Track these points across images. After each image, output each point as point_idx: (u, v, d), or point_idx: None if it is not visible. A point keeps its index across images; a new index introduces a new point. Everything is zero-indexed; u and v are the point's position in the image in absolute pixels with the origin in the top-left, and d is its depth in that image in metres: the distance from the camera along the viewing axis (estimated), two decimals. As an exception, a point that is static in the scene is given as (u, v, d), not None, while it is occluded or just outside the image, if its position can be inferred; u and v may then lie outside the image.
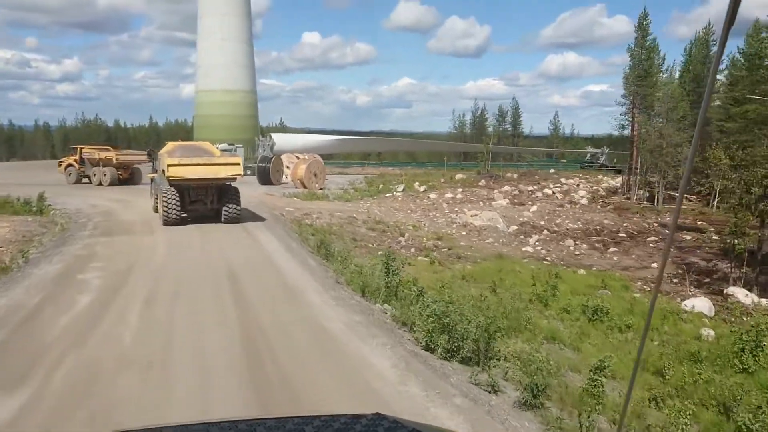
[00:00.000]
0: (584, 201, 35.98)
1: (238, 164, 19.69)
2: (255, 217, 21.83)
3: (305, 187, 37.10)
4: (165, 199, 18.62)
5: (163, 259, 13.85)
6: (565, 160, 73.37)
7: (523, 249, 21.47)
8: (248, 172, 51.95)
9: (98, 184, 35.15)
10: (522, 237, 23.92)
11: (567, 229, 25.40)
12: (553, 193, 39.74)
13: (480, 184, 45.45)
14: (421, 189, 40.81)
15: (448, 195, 37.42)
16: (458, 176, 49.42)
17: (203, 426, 1.22)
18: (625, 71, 40.52)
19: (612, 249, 22.57)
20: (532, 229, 25.58)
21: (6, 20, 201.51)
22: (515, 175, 52.55)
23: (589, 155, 73.45)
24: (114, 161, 35.05)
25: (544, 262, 19.80)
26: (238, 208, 19.98)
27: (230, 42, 69.71)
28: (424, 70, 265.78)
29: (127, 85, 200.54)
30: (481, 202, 34.29)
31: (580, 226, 26.86)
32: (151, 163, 24.45)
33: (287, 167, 42.75)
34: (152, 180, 22.98)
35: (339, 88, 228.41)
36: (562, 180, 47.51)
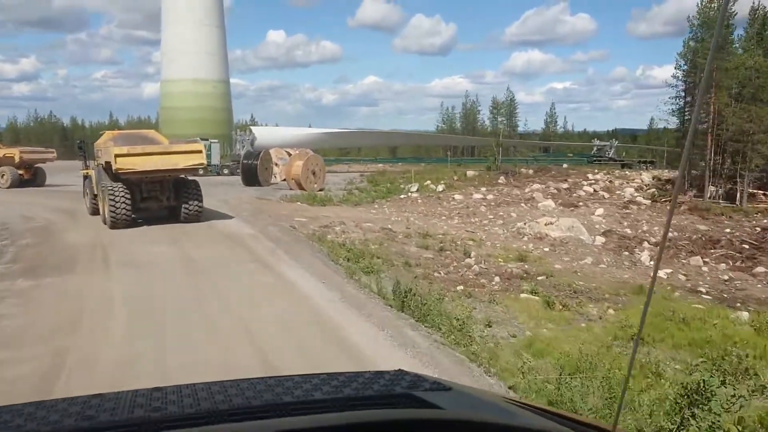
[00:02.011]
0: (641, 200, 29.95)
1: (200, 152, 16.89)
2: (264, 235, 15.01)
3: (301, 188, 30.27)
4: (111, 197, 15.72)
5: (123, 345, 6.98)
6: (571, 155, 67.72)
7: (651, 273, 15.11)
8: (225, 171, 44.99)
9: (8, 187, 29.79)
10: (625, 252, 17.57)
11: (670, 241, 19.12)
12: (595, 191, 33.67)
13: (500, 181, 39.22)
14: (439, 188, 34.28)
15: (477, 196, 30.99)
16: (470, 173, 43.09)
17: (219, 385, 1.18)
18: (686, 44, 34.94)
19: (760, 269, 16.42)
20: (623, 239, 19.25)
21: None
22: (530, 171, 46.38)
23: (595, 149, 68.02)
24: (16, 160, 29.62)
25: (703, 296, 13.57)
26: (200, 204, 17.34)
27: (200, 26, 62.07)
28: (390, 69, 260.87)
29: (87, 84, 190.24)
30: (523, 204, 27.93)
31: (676, 234, 20.66)
32: (83, 158, 20.38)
33: (276, 164, 35.73)
34: (86, 177, 19.57)
35: (305, 87, 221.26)
36: (589, 176, 41.54)
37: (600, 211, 24.86)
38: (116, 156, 15.44)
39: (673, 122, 40.35)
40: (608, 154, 64.86)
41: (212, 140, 44.42)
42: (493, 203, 28.75)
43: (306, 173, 30.68)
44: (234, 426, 1.01)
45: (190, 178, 17.68)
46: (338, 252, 14.29)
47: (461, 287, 13.06)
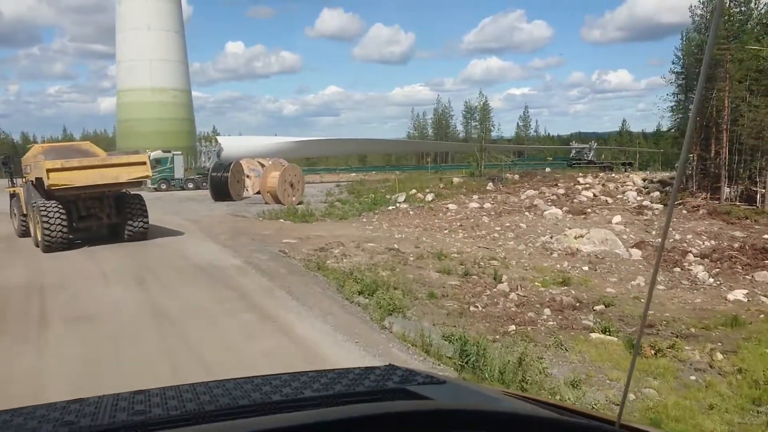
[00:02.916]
0: (648, 203, 27.66)
1: (144, 163, 15.57)
2: (251, 266, 11.92)
3: (278, 201, 27.17)
4: (45, 216, 14.20)
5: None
6: (551, 158, 65.90)
7: (729, 297, 12.47)
8: (190, 185, 41.42)
9: None
10: (676, 269, 14.94)
11: (717, 252, 16.63)
12: (595, 195, 31.34)
13: (488, 188, 36.72)
14: (428, 198, 31.51)
15: (473, 205, 28.31)
16: (456, 180, 40.50)
17: (204, 386, 1.13)
18: (687, 33, 32.98)
19: None
20: (656, 251, 16.65)
21: None
22: (516, 176, 44.09)
23: (574, 151, 66.38)
24: None
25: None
26: (146, 221, 15.95)
27: (157, 32, 58.32)
28: (351, 78, 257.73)
29: (41, 100, 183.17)
30: (526, 213, 25.31)
31: (714, 243, 18.24)
32: (8, 175, 18.78)
33: (248, 176, 32.48)
34: (12, 195, 18.14)
35: (265, 98, 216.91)
36: (580, 180, 39.34)
37: (617, 218, 22.36)
38: (48, 171, 13.82)
39: (666, 122, 38.40)
40: (587, 156, 63.29)
41: (175, 152, 41.08)
42: (492, 213, 26.07)
43: (283, 185, 27.57)
44: (221, 426, 0.94)
45: (133, 192, 16.31)
46: (347, 284, 11.35)
47: (512, 327, 10.21)
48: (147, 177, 15.73)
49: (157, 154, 40.35)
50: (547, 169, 52.53)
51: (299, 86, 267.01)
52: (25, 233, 16.65)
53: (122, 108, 60.57)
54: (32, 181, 15.62)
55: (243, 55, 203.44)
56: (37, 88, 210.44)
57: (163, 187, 39.23)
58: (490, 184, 38.27)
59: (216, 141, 46.77)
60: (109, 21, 61.67)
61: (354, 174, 56.70)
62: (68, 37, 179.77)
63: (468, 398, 1.17)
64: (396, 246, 16.05)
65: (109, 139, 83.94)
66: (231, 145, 47.44)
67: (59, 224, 14.21)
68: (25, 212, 16.58)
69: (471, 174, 45.07)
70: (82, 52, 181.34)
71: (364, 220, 24.38)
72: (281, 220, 20.65)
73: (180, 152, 41.47)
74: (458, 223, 23.27)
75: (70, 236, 14.76)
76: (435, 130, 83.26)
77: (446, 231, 21.51)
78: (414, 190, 34.68)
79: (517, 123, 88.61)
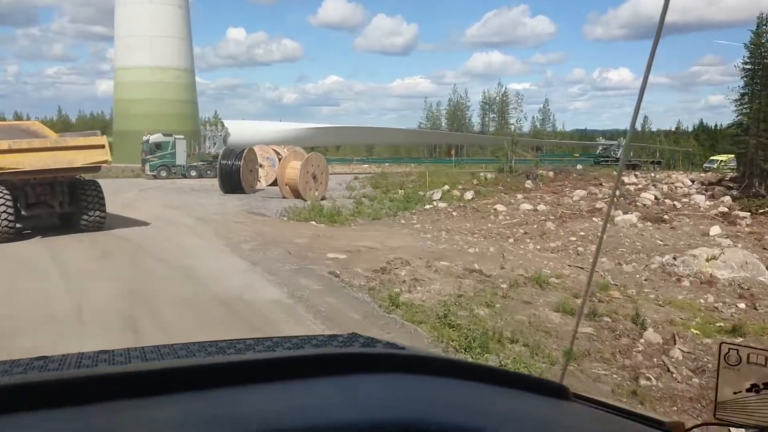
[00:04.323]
0: (734, 211, 23.78)
1: (103, 146, 14.13)
2: (301, 302, 7.96)
3: (299, 196, 23.27)
4: None
5: None
6: (578, 155, 61.93)
7: None
8: (193, 173, 37.35)
9: None
10: None
11: None
12: (657, 198, 27.46)
13: (527, 186, 32.84)
14: (467, 197, 27.54)
15: (526, 206, 24.37)
16: (486, 175, 36.57)
17: (168, 347, 1.10)
18: (758, 29, 29.35)
19: None
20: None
21: None
22: (550, 173, 40.10)
23: (600, 148, 62.53)
24: None
25: None
26: (103, 211, 14.70)
27: (159, 5, 53.98)
28: (352, 68, 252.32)
29: (39, 81, 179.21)
30: (594, 218, 21.39)
31: None
32: None
33: (261, 165, 28.41)
34: None
35: (265, 85, 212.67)
36: (624, 179, 35.39)
37: (715, 230, 18.44)
38: None
39: (727, 117, 34.56)
40: (615, 154, 59.48)
41: (177, 136, 36.98)
42: (552, 217, 22.15)
43: (305, 177, 23.59)
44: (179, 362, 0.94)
45: (88, 178, 15.00)
46: (445, 334, 7.51)
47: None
48: (106, 162, 14.26)
49: (157, 137, 36.33)
50: (579, 166, 48.75)
51: (299, 75, 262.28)
52: None
53: (120, 87, 56.30)
54: None
55: (244, 42, 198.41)
56: (36, 69, 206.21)
57: (163, 174, 35.20)
58: (529, 181, 34.43)
59: (222, 125, 42.72)
60: (109, 3, 57.28)
61: (366, 165, 52.74)
62: (68, 18, 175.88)
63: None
64: (476, 265, 12.10)
65: (106, 120, 79.91)
66: (238, 130, 43.42)
67: (5, 212, 13.02)
68: None
69: (500, 169, 41.21)
70: (82, 33, 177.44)
71: (403, 222, 20.47)
72: (313, 223, 16.69)
73: (182, 136, 37.41)
74: (520, 230, 19.33)
75: (18, 225, 13.57)
76: (449, 122, 79.05)
77: (511, 240, 17.59)
78: (446, 186, 30.75)
79: (532, 117, 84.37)
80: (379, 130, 57.74)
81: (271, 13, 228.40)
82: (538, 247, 16.76)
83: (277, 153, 29.43)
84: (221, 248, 11.99)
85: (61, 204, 14.36)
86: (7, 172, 13.04)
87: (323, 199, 23.80)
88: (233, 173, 24.95)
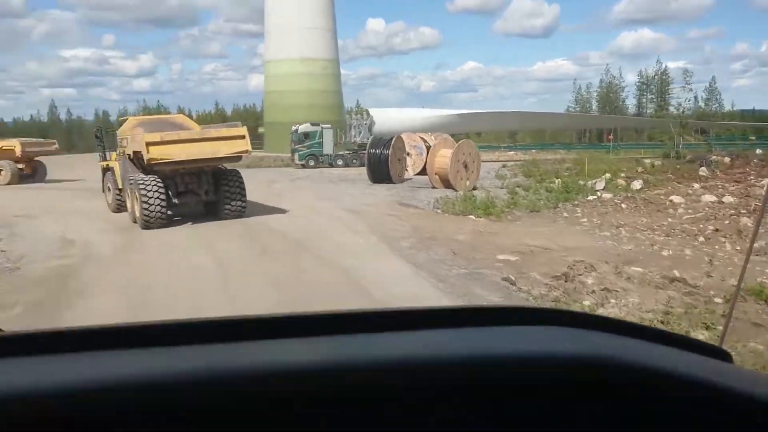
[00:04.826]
0: None
1: (243, 137, 14.46)
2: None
3: (449, 186, 22.11)
4: (144, 191, 13.52)
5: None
6: (753, 138, 55.21)
7: None
8: (339, 162, 37.51)
9: (7, 183, 27.04)
10: None
11: None
12: None
13: (701, 173, 29.06)
14: (635, 186, 24.78)
15: (708, 198, 21.31)
16: (653, 162, 33.05)
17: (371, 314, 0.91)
18: None
19: None
20: None
21: (86, 19, 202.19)
22: (726, 159, 35.38)
23: (783, 129, 55.11)
24: (17, 153, 26.98)
25: None
26: (244, 200, 15.07)
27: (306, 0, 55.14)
28: (490, 53, 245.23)
29: (199, 77, 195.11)
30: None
31: None
32: (101, 148, 18.13)
33: (408, 154, 27.54)
34: (106, 170, 17.62)
35: (404, 74, 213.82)
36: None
37: None
38: (148, 144, 13.18)
39: None
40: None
41: (324, 126, 37.18)
42: (743, 210, 19.03)
43: (456, 166, 22.34)
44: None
45: (229, 167, 15.52)
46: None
47: None
48: (246, 152, 14.70)
49: (306, 127, 36.84)
50: (758, 151, 43.02)
51: (437, 62, 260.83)
52: (119, 209, 16.22)
53: (270, 80, 58.48)
54: (129, 155, 15.07)
55: (383, 32, 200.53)
56: (196, 67, 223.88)
57: (311, 163, 35.63)
58: (703, 168, 30.54)
59: (367, 114, 42.57)
60: (261, 1, 59.48)
61: (512, 152, 50.41)
62: (224, 17, 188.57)
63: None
64: (675, 272, 10.14)
65: (258, 112, 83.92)
66: (382, 118, 43.14)
67: (158, 200, 13.64)
68: (120, 187, 16.18)
69: (666, 155, 37.21)
70: (236, 31, 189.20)
71: (566, 215, 18.51)
72: (472, 217, 15.37)
73: (330, 126, 37.63)
74: (709, 226, 16.66)
75: (169, 212, 14.17)
76: (601, 105, 73.81)
77: (700, 239, 15.10)
78: (607, 174, 28.01)
79: (693, 97, 76.26)
80: (526, 115, 55.00)
81: (410, 2, 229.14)
82: (738, 248, 14.17)
83: (425, 141, 28.39)
84: (379, 246, 11.06)
85: (206, 192, 14.99)
86: (160, 162, 13.58)
87: (474, 189, 22.41)
88: (381, 162, 24.28)
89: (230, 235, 12.92)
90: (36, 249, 12.44)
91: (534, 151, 51.23)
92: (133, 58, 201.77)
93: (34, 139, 33.02)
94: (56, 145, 31.53)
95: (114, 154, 17.28)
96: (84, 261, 10.78)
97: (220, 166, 15.23)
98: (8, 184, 26.62)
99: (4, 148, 27.85)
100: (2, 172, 27.12)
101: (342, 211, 15.97)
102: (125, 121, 17.45)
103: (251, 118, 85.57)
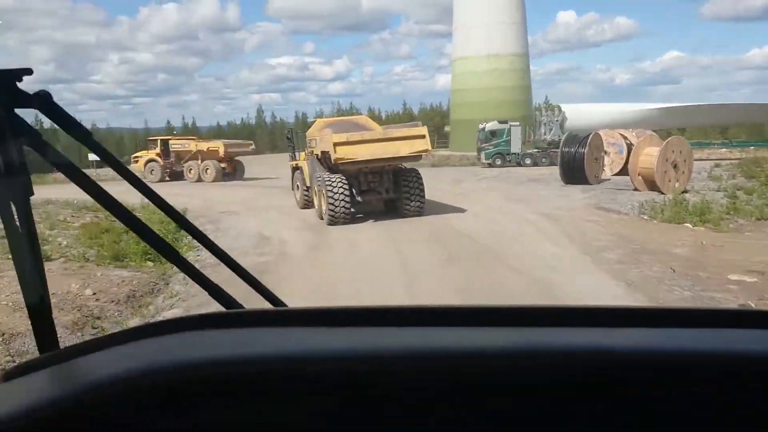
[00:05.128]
0: None
1: (424, 137, 14.76)
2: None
3: (653, 188, 19.76)
4: (330, 189, 14.27)
5: None
6: None
7: None
8: (527, 161, 35.90)
9: (196, 181, 30.14)
10: None
11: None
12: None
13: None
14: None
15: None
16: None
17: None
18: None
19: None
20: None
21: (289, 30, 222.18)
22: None
23: None
24: (220, 153, 29.81)
25: None
26: (422, 198, 15.44)
27: (494, -7, 53.88)
28: (695, 41, 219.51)
29: (388, 79, 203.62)
30: None
31: None
32: (291, 149, 19.33)
33: (605, 153, 25.31)
34: (295, 169, 18.69)
35: (596, 67, 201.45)
36: None
37: None
38: (335, 145, 13.89)
39: None
40: None
41: (512, 123, 35.86)
42: None
43: (663, 167, 19.92)
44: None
45: (409, 166, 15.82)
46: None
47: None
48: (426, 151, 15.03)
49: (493, 125, 35.82)
50: None
51: (634, 53, 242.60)
52: (306, 205, 17.22)
53: (456, 78, 58.20)
54: (317, 155, 15.82)
55: (574, 24, 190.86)
56: (386, 69, 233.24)
57: (498, 162, 34.53)
58: None
59: (559, 109, 40.33)
60: (448, 2, 59.41)
61: (724, 150, 44.64)
62: (413, 20, 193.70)
63: None
64: None
65: (444, 111, 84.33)
66: (575, 113, 40.61)
67: (343, 198, 14.28)
68: (307, 185, 17.08)
69: None
70: (424, 33, 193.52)
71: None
72: (688, 225, 13.36)
73: (518, 123, 36.19)
74: None
75: (352, 210, 14.83)
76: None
77: None
78: None
79: None
80: (740, 107, 48.36)
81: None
82: None
83: (625, 138, 25.92)
84: (581, 258, 9.84)
85: (387, 191, 15.51)
86: (346, 162, 14.15)
87: (685, 191, 19.81)
88: (576, 161, 22.53)
89: (415, 237, 12.51)
90: (237, 245, 13.11)
91: (752, 148, 44.92)
92: (330, 64, 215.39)
93: (234, 141, 36.59)
94: (253, 146, 34.58)
95: (302, 154, 18.13)
96: (278, 259, 11.01)
97: (400, 165, 15.53)
98: (213, 181, 29.51)
99: (209, 149, 31.06)
100: (208, 171, 30.07)
101: (534, 214, 14.85)
102: (313, 123, 18.35)
103: (437, 117, 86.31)
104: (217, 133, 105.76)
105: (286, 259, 10.96)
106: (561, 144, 24.24)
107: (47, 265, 10.44)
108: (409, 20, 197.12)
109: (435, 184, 23.07)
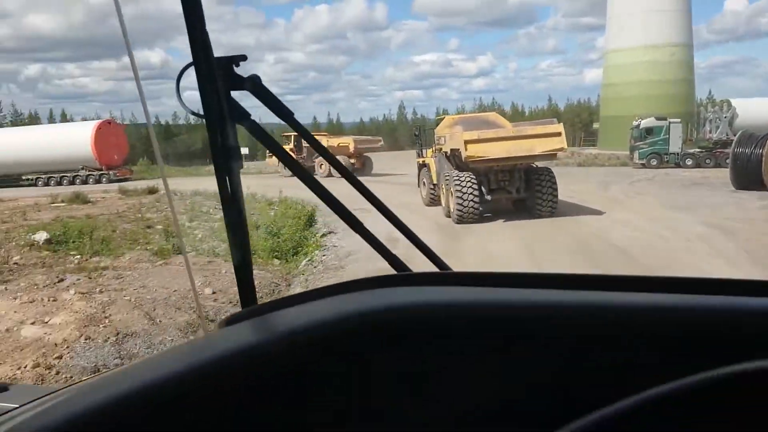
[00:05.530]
0: None
1: (559, 134, 14.14)
2: None
3: None
4: (459, 187, 14.09)
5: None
6: None
7: None
8: (689, 161, 32.30)
9: (326, 176, 28.28)
10: None
11: None
12: None
13: None
14: None
15: None
16: None
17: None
18: None
19: None
20: None
21: (434, 27, 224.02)
22: None
23: None
24: (350, 149, 30.55)
25: None
26: (555, 199, 14.78)
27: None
28: None
29: (533, 75, 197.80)
30: None
31: None
32: (419, 146, 19.64)
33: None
34: (422, 166, 18.53)
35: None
36: None
37: None
38: (466, 142, 13.84)
39: None
40: None
41: (672, 120, 32.46)
42: None
43: None
44: None
45: (541, 165, 15.32)
46: None
47: None
48: (561, 149, 14.48)
49: (649, 122, 32.60)
50: None
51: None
52: (432, 203, 17.21)
53: (608, 71, 54.31)
54: (446, 152, 15.82)
55: (744, 12, 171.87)
56: (531, 64, 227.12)
57: (653, 162, 31.32)
58: None
59: (728, 105, 35.97)
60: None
61: None
62: (561, 13, 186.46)
63: None
64: None
65: (592, 107, 79.73)
66: (745, 109, 36.03)
67: (471, 196, 14.07)
68: (434, 182, 16.99)
69: None
70: (573, 26, 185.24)
71: None
72: None
73: (678, 120, 32.66)
74: None
75: (480, 209, 14.47)
76: None
77: None
78: None
79: None
80: None
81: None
82: None
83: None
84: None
85: (518, 190, 15.10)
86: (477, 160, 13.98)
87: None
88: (751, 164, 19.52)
89: (558, 248, 11.11)
90: (363, 247, 12.48)
91: None
92: (473, 60, 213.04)
93: (364, 137, 37.23)
94: (381, 142, 35.33)
95: (429, 151, 18.08)
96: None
97: (532, 164, 15.11)
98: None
99: (340, 144, 32.12)
100: None
101: (703, 226, 12.73)
102: (441, 119, 18.17)
103: (584, 113, 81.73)
104: (359, 128, 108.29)
105: (414, 269, 10.06)
106: (734, 144, 21.20)
107: (178, 259, 10.35)
108: (557, 13, 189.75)
109: (581, 186, 21.15)
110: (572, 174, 26.16)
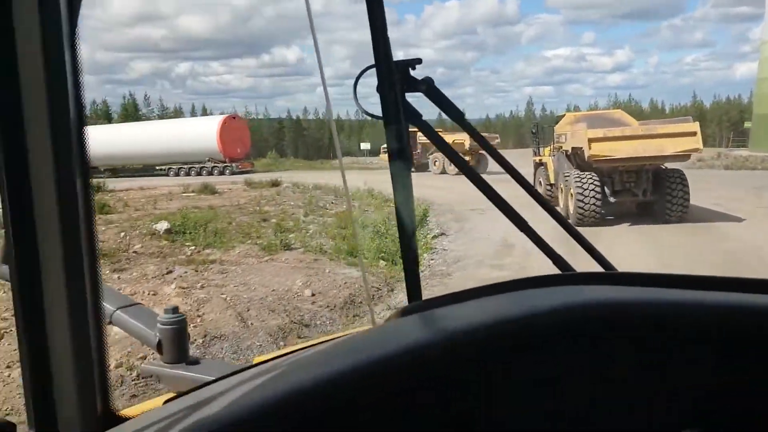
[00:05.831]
0: None
1: (694, 134, 13.03)
2: None
3: None
4: (580, 188, 13.37)
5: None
6: None
7: None
8: None
9: (440, 173, 30.92)
10: None
11: None
12: None
13: None
14: None
15: None
16: None
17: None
18: None
19: None
20: None
21: (568, 20, 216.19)
22: None
23: None
24: (465, 146, 29.74)
25: None
26: (687, 203, 13.72)
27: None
28: None
29: (677, 69, 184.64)
30: None
31: None
32: (536, 144, 19.04)
33: None
34: (538, 164, 18.06)
35: None
36: None
37: None
38: (590, 141, 13.04)
39: None
40: None
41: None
42: None
43: None
44: None
45: (672, 167, 14.13)
46: None
47: None
48: (696, 150, 13.38)
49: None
50: None
51: None
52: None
53: (765, 64, 48.85)
54: (567, 151, 15.28)
55: None
56: (674, 58, 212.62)
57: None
58: None
59: None
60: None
61: None
62: (711, 3, 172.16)
63: None
64: None
65: (743, 105, 72.84)
66: None
67: (593, 197, 13.34)
68: (551, 182, 16.64)
69: None
70: (724, 17, 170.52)
71: None
72: None
73: None
74: None
75: (602, 211, 13.77)
76: None
77: None
78: None
79: None
80: None
81: None
82: None
83: None
84: None
85: (644, 192, 14.18)
86: (601, 159, 13.23)
87: None
88: None
89: (701, 263, 9.65)
90: (474, 252, 11.69)
91: None
92: (609, 54, 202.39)
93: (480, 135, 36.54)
94: (498, 140, 34.72)
95: (546, 150, 17.61)
96: (518, 276, 9.26)
97: (662, 165, 14.19)
98: (456, 174, 28.91)
99: (455, 141, 31.27)
100: (453, 164, 30.25)
101: None
102: (562, 117, 17.49)
103: (734, 111, 74.56)
104: (485, 125, 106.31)
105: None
106: None
107: (285, 255, 10.12)
108: (706, 3, 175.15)
109: (727, 191, 18.86)
110: (716, 177, 23.56)
